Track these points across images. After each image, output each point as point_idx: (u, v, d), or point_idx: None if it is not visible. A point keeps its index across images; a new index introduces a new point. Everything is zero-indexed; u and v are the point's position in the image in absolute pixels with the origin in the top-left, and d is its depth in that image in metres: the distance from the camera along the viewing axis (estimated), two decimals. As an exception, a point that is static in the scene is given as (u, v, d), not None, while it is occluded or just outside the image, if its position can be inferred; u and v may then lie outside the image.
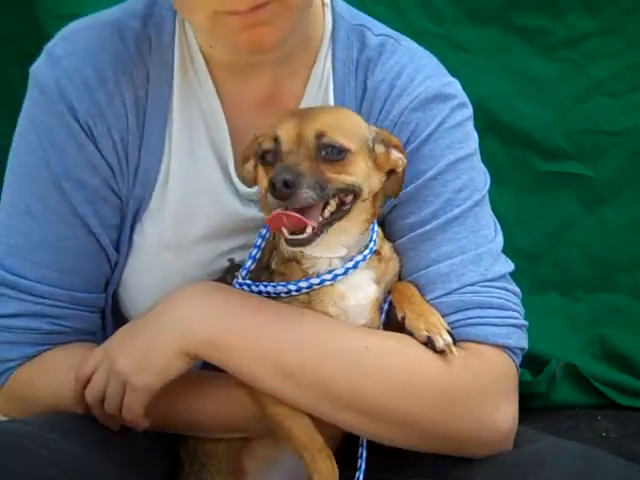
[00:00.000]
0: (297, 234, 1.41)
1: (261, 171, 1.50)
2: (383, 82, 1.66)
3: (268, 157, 1.47)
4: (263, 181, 1.49)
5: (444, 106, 1.65)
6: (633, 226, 3.34)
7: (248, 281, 1.57)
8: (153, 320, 1.51)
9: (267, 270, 1.57)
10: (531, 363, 3.10)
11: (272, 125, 1.50)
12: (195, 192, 1.65)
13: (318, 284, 1.54)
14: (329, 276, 1.54)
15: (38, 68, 1.62)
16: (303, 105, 1.67)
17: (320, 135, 1.47)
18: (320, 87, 1.68)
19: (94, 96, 1.59)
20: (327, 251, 1.54)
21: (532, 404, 3.05)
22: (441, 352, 1.50)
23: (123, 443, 1.55)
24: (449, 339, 1.51)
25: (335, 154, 1.46)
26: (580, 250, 3.36)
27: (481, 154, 3.24)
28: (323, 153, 1.46)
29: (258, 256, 1.60)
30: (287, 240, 1.43)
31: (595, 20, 3.25)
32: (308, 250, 1.53)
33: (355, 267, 1.56)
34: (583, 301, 3.36)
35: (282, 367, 1.48)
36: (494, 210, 3.26)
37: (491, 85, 3.29)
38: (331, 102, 1.67)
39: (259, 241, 1.60)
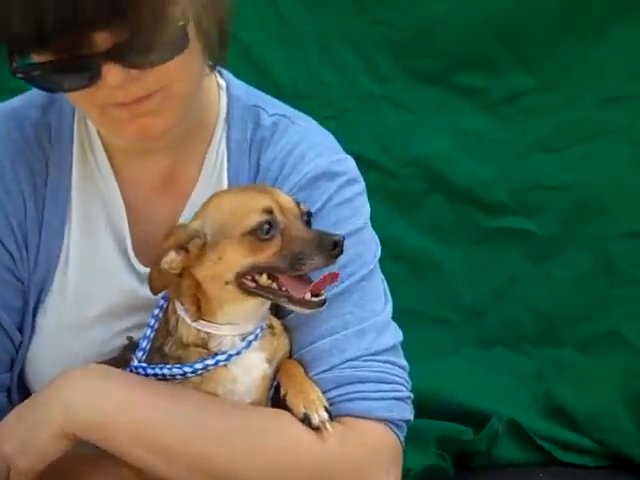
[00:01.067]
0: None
1: (236, 249, 1.52)
2: (275, 161, 1.70)
3: (260, 232, 1.50)
4: (235, 260, 1.51)
5: (332, 183, 1.70)
6: (578, 280, 3.36)
7: (143, 364, 1.60)
8: (36, 403, 1.55)
9: (159, 353, 1.61)
10: (474, 420, 3.12)
11: (239, 204, 1.54)
12: (94, 273, 1.70)
13: (213, 364, 1.58)
14: (223, 357, 1.58)
15: None
16: (199, 188, 1.71)
17: (298, 204, 1.57)
18: (214, 169, 1.73)
19: None
20: (237, 327, 1.58)
21: (473, 463, 3.06)
22: (317, 429, 1.53)
23: None
24: (325, 415, 1.55)
25: (309, 220, 1.59)
26: (526, 305, 3.39)
27: (427, 211, 3.36)
28: (305, 219, 1.57)
29: (152, 336, 1.63)
30: (311, 303, 1.49)
31: (533, 77, 3.31)
32: (220, 329, 1.57)
33: (248, 346, 1.59)
34: (529, 356, 3.37)
35: (159, 448, 1.51)
36: (441, 266, 3.36)
37: (435, 143, 3.35)
38: (224, 183, 1.71)
39: (152, 321, 1.64)
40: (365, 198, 1.77)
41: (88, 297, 1.70)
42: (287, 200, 1.57)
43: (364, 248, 1.71)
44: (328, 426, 1.55)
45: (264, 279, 1.52)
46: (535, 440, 3.09)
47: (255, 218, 1.51)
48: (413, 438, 3.04)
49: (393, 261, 3.34)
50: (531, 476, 2.99)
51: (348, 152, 3.37)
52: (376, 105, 3.33)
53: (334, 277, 1.52)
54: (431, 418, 3.12)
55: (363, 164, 3.39)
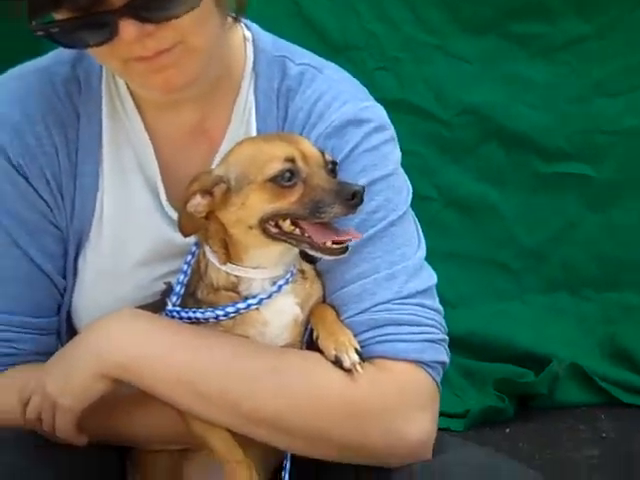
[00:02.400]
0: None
1: (258, 195, 1.55)
2: (301, 110, 1.72)
3: (281, 179, 1.54)
4: (257, 206, 1.55)
5: (359, 131, 1.70)
6: (638, 225, 3.34)
7: (178, 308, 1.67)
8: (76, 345, 1.63)
9: (193, 298, 1.67)
10: (535, 363, 3.16)
11: (262, 151, 1.57)
12: (129, 221, 1.75)
13: (245, 308, 1.62)
14: (254, 300, 1.62)
15: None
16: (229, 136, 1.75)
17: (323, 153, 1.59)
18: (243, 119, 1.76)
19: (23, 139, 1.70)
20: (265, 272, 1.63)
21: (534, 404, 3.10)
22: (348, 370, 1.57)
23: (68, 454, 1.65)
24: (356, 357, 1.57)
25: (334, 169, 1.60)
26: (587, 250, 3.39)
27: (482, 159, 3.36)
28: (330, 168, 1.58)
29: (185, 282, 1.69)
30: (332, 250, 1.53)
31: (590, 23, 3.29)
32: (249, 273, 1.63)
33: (279, 290, 1.64)
34: (593, 300, 3.38)
35: (191, 387, 1.57)
36: (499, 212, 3.36)
37: (489, 92, 3.35)
38: (253, 133, 1.75)
39: (185, 267, 1.70)
40: (394, 144, 1.77)
41: (124, 244, 1.75)
42: (311, 149, 1.59)
43: (393, 193, 1.71)
44: (359, 368, 1.56)
45: (287, 225, 1.55)
46: (597, 382, 3.12)
47: (277, 166, 1.54)
48: (471, 379, 3.13)
49: (450, 208, 3.38)
50: (592, 418, 3.02)
51: (401, 101, 3.45)
52: (428, 55, 3.34)
53: (358, 236, 1.56)
54: (491, 361, 3.17)
55: (417, 113, 3.49)
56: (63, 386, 1.58)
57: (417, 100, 3.32)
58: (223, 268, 1.63)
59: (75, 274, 1.77)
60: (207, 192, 1.58)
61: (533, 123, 3.33)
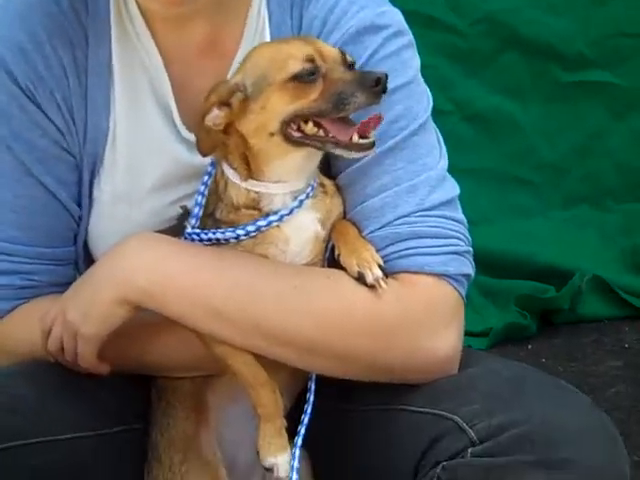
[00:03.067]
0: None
1: (278, 96, 1.51)
2: (317, 18, 1.65)
3: (301, 77, 1.49)
4: (278, 107, 1.50)
5: (377, 37, 1.63)
6: (663, 131, 3.27)
7: (197, 230, 1.62)
8: (95, 271, 1.60)
9: (212, 219, 1.62)
10: (557, 278, 3.12)
11: (279, 52, 1.52)
12: (142, 144, 1.70)
13: (266, 225, 1.57)
14: (275, 217, 1.57)
15: None
16: (242, 50, 1.69)
17: (343, 53, 1.54)
18: (257, 30, 1.69)
19: (31, 60, 1.64)
20: (286, 185, 1.58)
21: (557, 319, 3.07)
22: (372, 286, 1.53)
23: (91, 385, 1.63)
24: (379, 273, 1.53)
25: (353, 69, 1.55)
26: (610, 160, 3.33)
27: (500, 69, 3.26)
28: (349, 66, 1.54)
29: (203, 203, 1.64)
30: (360, 145, 1.49)
31: None
32: (270, 188, 1.58)
33: (300, 205, 1.59)
34: (614, 212, 3.33)
35: (214, 309, 1.54)
36: (518, 125, 3.29)
37: (506, -1, 3.24)
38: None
39: (202, 188, 1.64)
40: (413, 51, 1.70)
41: (139, 168, 1.70)
42: (329, 49, 1.55)
43: (413, 101, 1.65)
44: (383, 283, 1.53)
45: (310, 127, 1.50)
46: (619, 294, 3.07)
47: (297, 64, 1.50)
48: (492, 297, 3.10)
49: (467, 121, 3.30)
50: (617, 330, 3.00)
51: (416, 13, 3.33)
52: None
53: (379, 117, 1.50)
54: (512, 278, 3.13)
55: (431, 25, 3.39)
56: (84, 313, 1.55)
57: (431, 10, 3.23)
58: (244, 185, 1.58)
59: (90, 201, 1.72)
60: (224, 103, 1.52)
61: (552, 29, 3.24)
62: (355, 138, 1.49)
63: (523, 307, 3.00)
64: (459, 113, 3.26)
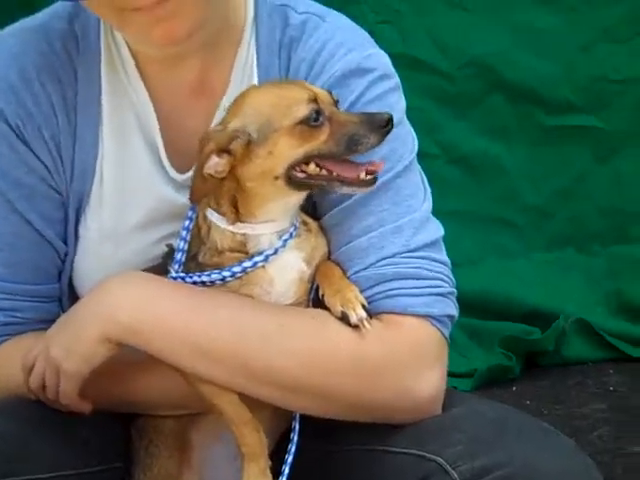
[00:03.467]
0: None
1: (287, 140, 1.52)
2: (304, 61, 1.67)
3: (309, 120, 1.51)
4: (287, 152, 1.51)
5: (362, 80, 1.65)
6: (647, 176, 3.30)
7: (182, 274, 1.62)
8: (79, 309, 1.59)
9: (194, 262, 1.62)
10: (541, 321, 3.12)
11: (282, 97, 1.54)
12: (129, 183, 1.71)
13: (251, 267, 1.58)
14: (260, 257, 1.58)
15: None
16: (230, 91, 1.69)
17: (330, 93, 1.58)
18: (245, 72, 1.71)
19: (20, 99, 1.65)
20: (273, 225, 1.59)
21: (542, 361, 3.07)
22: (356, 327, 1.53)
23: (72, 423, 1.62)
24: (363, 313, 1.53)
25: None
26: (594, 203, 3.35)
27: (486, 112, 3.30)
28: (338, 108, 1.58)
29: (186, 248, 1.65)
30: (366, 181, 1.53)
31: (596, -35, 3.21)
32: (256, 229, 1.58)
33: (284, 245, 1.60)
34: (599, 255, 3.35)
35: (196, 348, 1.54)
36: (503, 168, 3.31)
37: (492, 42, 3.29)
38: (255, 83, 1.70)
39: (183, 233, 1.64)
40: (399, 93, 1.72)
41: (125, 206, 1.71)
42: (321, 91, 1.57)
43: (399, 144, 1.67)
44: (367, 324, 1.53)
45: (312, 167, 1.52)
46: (604, 337, 3.08)
47: (303, 108, 1.51)
48: (477, 338, 3.10)
49: (453, 164, 3.32)
50: (601, 373, 3.00)
51: (403, 55, 3.37)
52: (430, 6, 3.27)
53: (382, 163, 1.55)
54: (496, 320, 3.14)
55: (419, 67, 3.42)
56: (67, 350, 1.55)
57: (419, 53, 3.27)
58: (230, 228, 1.58)
59: (76, 239, 1.73)
60: (224, 150, 1.52)
61: (538, 73, 3.27)
62: (362, 175, 1.53)
63: (508, 348, 3.00)
64: (445, 156, 3.29)
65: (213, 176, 1.54)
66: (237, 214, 1.58)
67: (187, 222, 1.64)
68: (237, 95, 1.60)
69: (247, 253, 1.59)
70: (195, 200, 1.59)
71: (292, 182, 1.53)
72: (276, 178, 1.53)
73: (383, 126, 1.50)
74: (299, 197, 1.58)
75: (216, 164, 1.53)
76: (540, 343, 3.03)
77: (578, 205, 3.34)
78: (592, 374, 2.98)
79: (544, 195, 3.34)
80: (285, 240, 1.59)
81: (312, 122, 1.51)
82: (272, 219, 1.59)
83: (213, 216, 1.59)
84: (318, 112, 1.52)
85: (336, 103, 1.57)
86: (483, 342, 3.07)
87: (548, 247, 3.35)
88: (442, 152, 3.27)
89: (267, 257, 1.58)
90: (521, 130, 3.32)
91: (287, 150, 1.52)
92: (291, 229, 1.61)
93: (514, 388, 2.94)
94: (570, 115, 3.30)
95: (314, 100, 1.52)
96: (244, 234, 1.58)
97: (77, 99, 1.68)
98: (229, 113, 1.58)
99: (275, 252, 1.58)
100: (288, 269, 1.60)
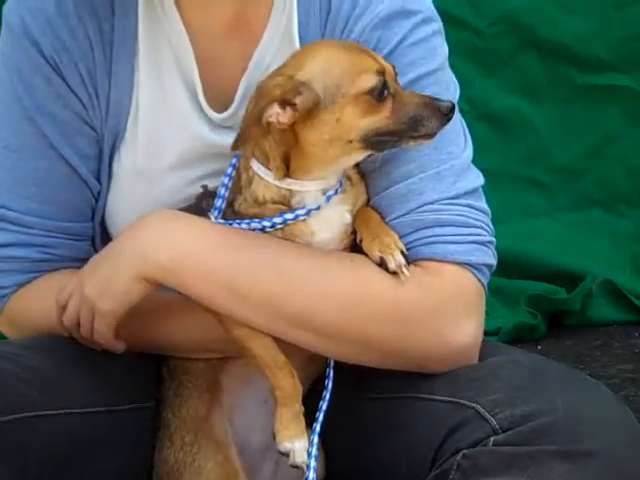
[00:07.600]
0: None
1: (352, 109, 1.48)
2: (346, 1, 1.64)
3: (375, 93, 1.48)
4: (353, 121, 1.48)
5: (406, 22, 1.62)
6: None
7: (221, 220, 1.60)
8: (115, 247, 1.58)
9: (231, 208, 1.59)
10: (567, 281, 3.09)
11: (353, 62, 1.50)
12: (164, 120, 1.68)
13: (292, 219, 1.55)
14: (302, 211, 1.55)
15: (7, 8, 1.67)
16: (269, 29, 1.66)
17: (394, 68, 1.54)
18: (284, 9, 1.67)
19: (57, 31, 1.62)
20: (322, 182, 1.56)
21: (567, 321, 3.04)
22: (394, 273, 1.51)
23: (105, 361, 1.63)
24: (401, 260, 1.51)
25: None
26: (623, 164, 3.29)
27: (517, 70, 3.24)
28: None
29: (226, 195, 1.62)
30: (430, 135, 1.51)
31: None
32: (305, 186, 1.55)
33: (327, 201, 1.57)
34: (627, 217, 3.30)
35: (235, 289, 1.52)
36: (532, 126, 3.26)
37: (526, -1, 3.22)
38: (295, 25, 1.65)
39: (226, 180, 1.61)
40: (442, 38, 1.69)
41: (160, 145, 1.68)
42: (387, 65, 1.53)
43: (441, 89, 1.63)
44: (405, 270, 1.51)
45: None
46: (631, 299, 3.04)
47: (371, 78, 1.47)
48: (502, 296, 3.07)
49: (482, 121, 3.26)
50: (626, 335, 2.97)
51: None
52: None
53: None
54: (522, 278, 3.11)
55: (449, 22, 3.32)
56: (102, 288, 1.54)
57: (450, 8, 3.19)
58: (276, 183, 1.54)
59: (110, 177, 1.71)
60: (286, 101, 1.47)
61: (572, 31, 3.20)
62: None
63: (533, 307, 2.98)
64: (474, 112, 3.21)
65: (272, 125, 1.49)
66: (287, 170, 1.54)
67: (230, 169, 1.60)
68: (301, 48, 1.57)
69: (289, 206, 1.56)
70: (239, 144, 1.53)
71: (369, 144, 1.50)
72: (350, 142, 1.49)
73: (447, 113, 1.48)
74: (364, 155, 1.54)
75: (278, 114, 1.48)
76: (567, 303, 3.00)
77: (607, 166, 3.29)
78: (617, 336, 2.95)
79: (573, 155, 3.29)
80: (329, 196, 1.57)
81: (377, 95, 1.47)
82: (323, 177, 1.56)
83: (260, 170, 1.55)
84: (385, 85, 1.48)
85: (396, 76, 1.53)
86: (508, 300, 3.03)
87: (575, 207, 3.30)
88: (471, 108, 3.20)
89: (309, 211, 1.55)
90: (552, 88, 3.26)
91: (353, 119, 1.48)
92: (337, 186, 1.58)
93: (539, 347, 2.91)
94: (603, 74, 3.24)
95: (382, 72, 1.49)
96: (290, 190, 1.56)
97: (114, 33, 1.65)
98: (289, 65, 1.52)
99: (318, 208, 1.56)
100: (331, 223, 1.58)
